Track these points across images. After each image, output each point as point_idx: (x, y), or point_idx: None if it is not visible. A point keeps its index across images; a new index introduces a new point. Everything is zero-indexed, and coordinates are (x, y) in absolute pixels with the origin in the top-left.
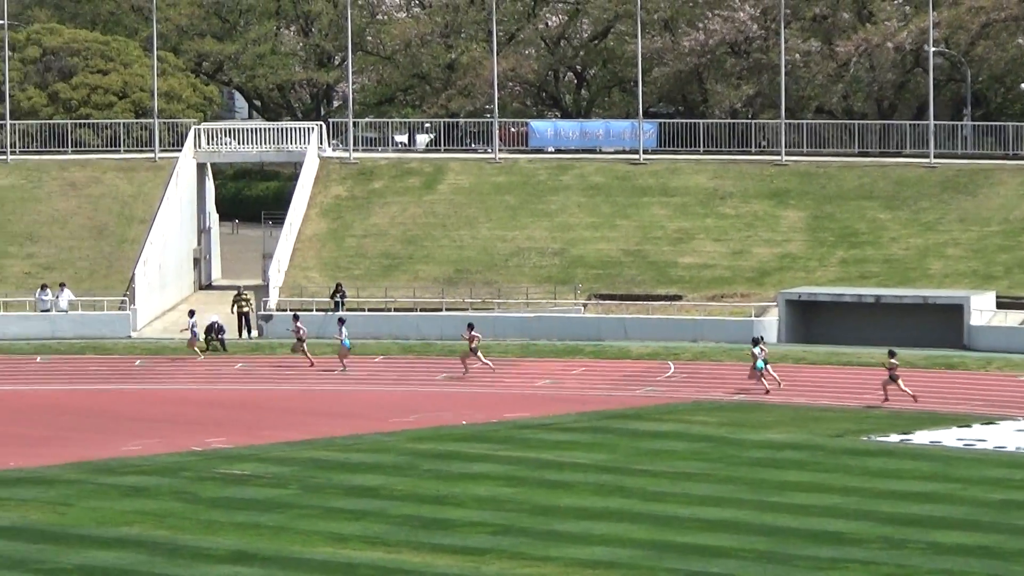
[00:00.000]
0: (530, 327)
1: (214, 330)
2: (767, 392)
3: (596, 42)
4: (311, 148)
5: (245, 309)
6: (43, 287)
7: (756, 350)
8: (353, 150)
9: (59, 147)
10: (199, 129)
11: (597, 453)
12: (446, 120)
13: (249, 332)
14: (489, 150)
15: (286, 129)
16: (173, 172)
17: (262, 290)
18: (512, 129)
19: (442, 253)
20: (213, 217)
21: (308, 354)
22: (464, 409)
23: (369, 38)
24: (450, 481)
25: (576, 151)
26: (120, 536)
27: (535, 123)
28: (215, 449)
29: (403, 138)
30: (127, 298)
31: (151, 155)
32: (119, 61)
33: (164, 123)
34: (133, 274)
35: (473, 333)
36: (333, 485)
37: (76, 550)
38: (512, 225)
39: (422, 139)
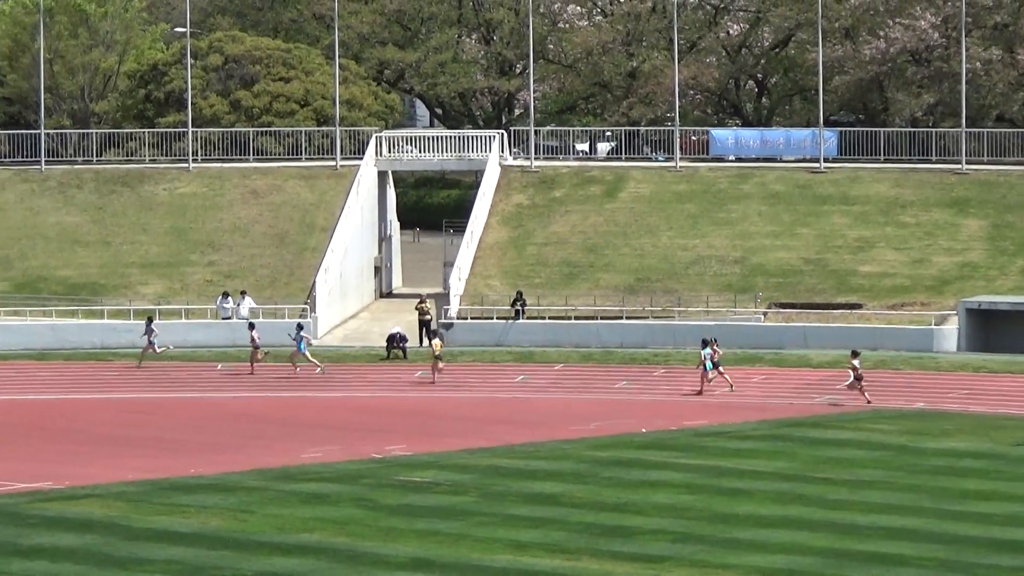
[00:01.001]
0: (710, 335)
1: (396, 339)
2: (699, 393)
3: (777, 50)
4: (492, 156)
5: (426, 317)
6: (224, 295)
7: (707, 351)
8: (534, 158)
9: (241, 155)
10: (380, 137)
11: (777, 461)
12: (627, 128)
13: (430, 340)
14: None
15: (467, 137)
16: (354, 180)
17: (443, 298)
18: (693, 137)
19: (623, 261)
20: (394, 225)
21: (254, 363)
22: (644, 417)
23: (551, 46)
24: (630, 488)
25: (756, 159)
26: (300, 543)
27: (716, 131)
28: (395, 456)
29: (584, 146)
30: (308, 306)
31: (332, 163)
32: (301, 69)
33: (346, 131)
34: (314, 282)
35: (436, 340)
36: (513, 492)
37: (256, 557)
38: (692, 233)
39: (603, 147)
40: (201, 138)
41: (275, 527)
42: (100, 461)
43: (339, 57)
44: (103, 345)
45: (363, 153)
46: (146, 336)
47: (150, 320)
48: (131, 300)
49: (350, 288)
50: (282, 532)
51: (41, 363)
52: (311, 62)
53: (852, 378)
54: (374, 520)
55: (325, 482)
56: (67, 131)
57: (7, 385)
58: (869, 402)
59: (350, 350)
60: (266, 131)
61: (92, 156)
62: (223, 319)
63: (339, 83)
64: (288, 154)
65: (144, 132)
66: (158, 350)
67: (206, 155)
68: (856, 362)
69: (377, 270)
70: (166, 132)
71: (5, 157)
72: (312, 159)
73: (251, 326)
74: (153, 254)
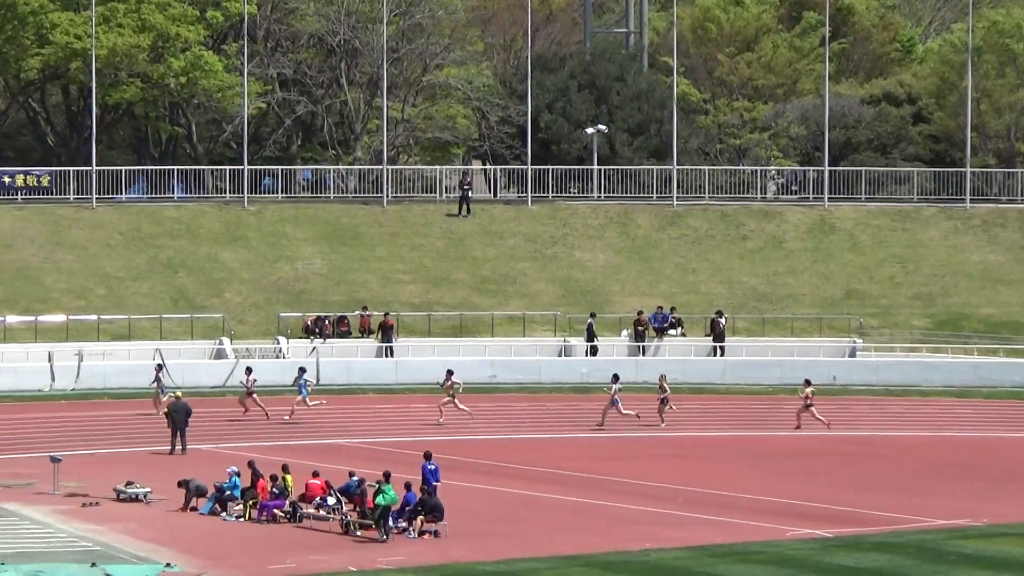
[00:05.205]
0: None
1: None
2: (637, 416)
3: None
4: None
5: None
6: None
7: (616, 386)
8: None
9: None
10: None
11: None
12: None
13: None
14: None
15: None
16: None
17: None
18: None
19: None
20: None
21: (259, 404)
22: None
23: None
24: None
25: None
26: None
27: None
28: None
29: None
30: None
31: None
32: None
33: None
34: None
35: (453, 380)
36: None
37: None
38: None
39: None
40: None
41: None
42: (1018, 499)
43: None
44: None
45: None
46: (156, 383)
47: (160, 367)
48: None
49: None
50: None
51: (961, 400)
52: None
53: (802, 404)
54: None
55: None
56: (991, 170)
57: (928, 422)
58: (798, 427)
59: None
60: None
61: (1017, 195)
62: None
63: None
64: None
65: None
66: (163, 397)
67: None
68: (809, 390)
69: None
70: None
71: (931, 194)
72: None
73: (302, 369)
74: None
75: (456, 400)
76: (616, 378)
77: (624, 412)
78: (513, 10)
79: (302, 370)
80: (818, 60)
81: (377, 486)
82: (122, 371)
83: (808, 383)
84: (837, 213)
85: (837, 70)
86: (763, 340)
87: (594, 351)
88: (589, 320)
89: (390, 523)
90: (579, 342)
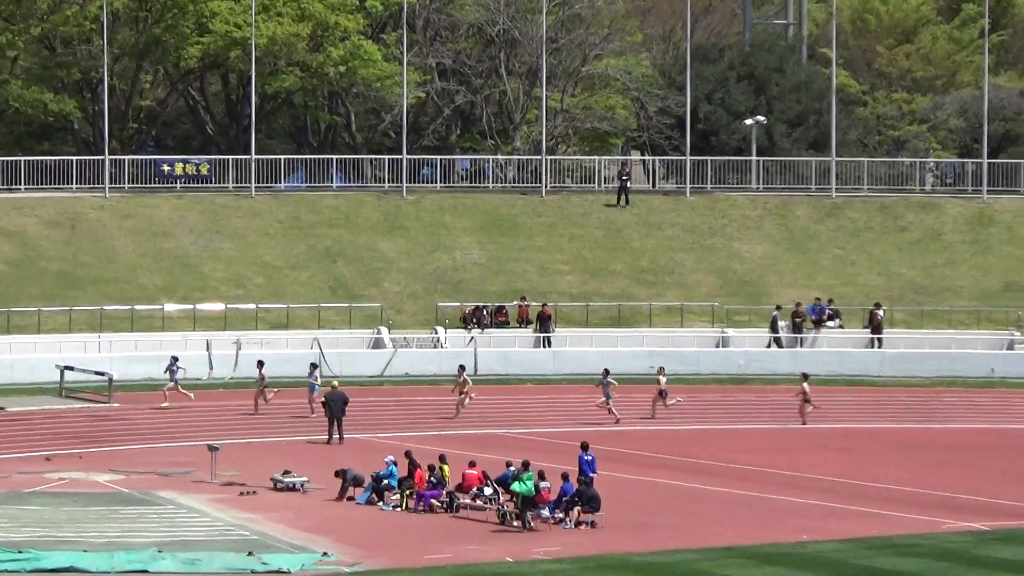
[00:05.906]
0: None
1: None
2: (617, 421)
3: None
4: None
5: None
6: None
7: (608, 380)
8: None
9: None
10: None
11: None
12: None
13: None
14: None
15: None
16: None
17: None
18: None
19: None
20: None
21: (261, 399)
22: None
23: None
24: None
25: None
26: None
27: None
28: None
29: None
30: None
31: None
32: None
33: None
34: None
35: (465, 375)
36: None
37: None
38: None
39: None
40: None
41: None
42: None
43: None
44: None
45: None
46: (168, 374)
47: (175, 359)
48: None
49: None
50: None
51: None
52: None
53: (801, 401)
54: None
55: None
56: None
57: None
58: (804, 423)
59: None
60: None
61: None
62: None
63: None
64: None
65: None
66: (182, 390)
67: None
68: (805, 386)
69: None
70: None
71: None
72: None
73: (313, 365)
74: None
75: (467, 395)
76: (607, 372)
77: (610, 408)
78: (672, 1)
79: (314, 365)
80: (977, 52)
81: (515, 473)
82: (280, 360)
83: (806, 377)
84: (996, 205)
85: (996, 62)
86: (921, 332)
87: (778, 343)
88: (774, 312)
89: (545, 512)
90: (736, 333)
